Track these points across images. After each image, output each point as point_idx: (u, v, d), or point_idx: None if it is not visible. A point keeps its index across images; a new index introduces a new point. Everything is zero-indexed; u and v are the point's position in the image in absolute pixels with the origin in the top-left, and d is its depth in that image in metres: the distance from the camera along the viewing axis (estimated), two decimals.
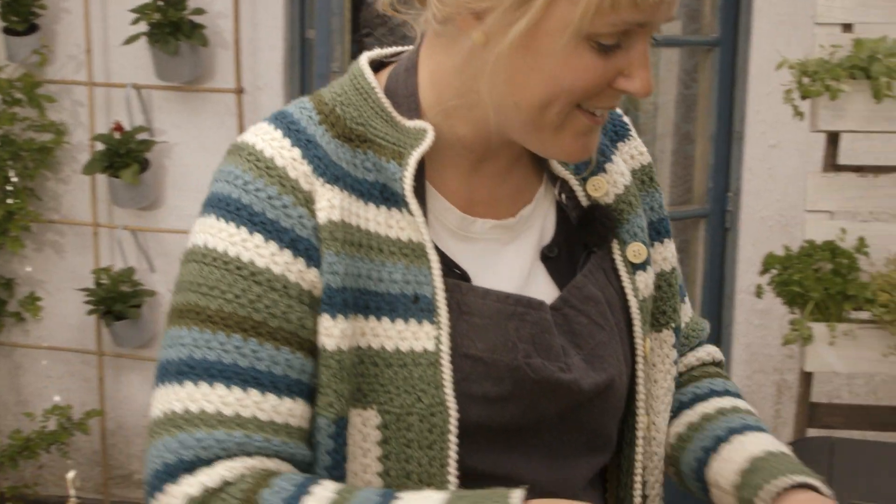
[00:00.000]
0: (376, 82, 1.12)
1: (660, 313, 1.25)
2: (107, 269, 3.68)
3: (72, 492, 2.93)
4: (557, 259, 1.15)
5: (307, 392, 1.05)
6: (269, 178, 1.04)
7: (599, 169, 1.19)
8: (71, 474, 2.97)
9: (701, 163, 3.64)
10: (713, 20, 3.54)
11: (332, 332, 1.03)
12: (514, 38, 1.00)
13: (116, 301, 3.62)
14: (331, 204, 1.04)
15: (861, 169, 2.90)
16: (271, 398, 1.02)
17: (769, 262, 2.76)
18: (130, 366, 3.83)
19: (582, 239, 1.17)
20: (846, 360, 2.73)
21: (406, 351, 1.05)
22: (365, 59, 1.15)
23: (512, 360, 1.07)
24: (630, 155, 1.25)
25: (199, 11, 3.56)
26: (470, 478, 1.05)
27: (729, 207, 3.58)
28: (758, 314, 3.54)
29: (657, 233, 1.25)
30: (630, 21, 0.99)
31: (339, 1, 3.03)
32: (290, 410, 1.03)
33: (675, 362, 1.26)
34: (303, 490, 0.98)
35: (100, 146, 3.58)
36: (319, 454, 1.06)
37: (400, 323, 1.05)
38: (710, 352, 1.39)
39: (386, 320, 1.05)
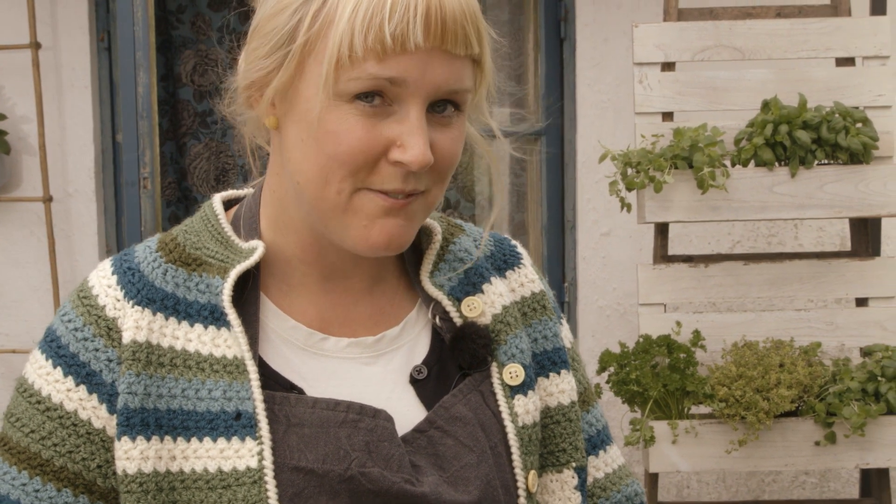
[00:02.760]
0: (222, 211, 1.14)
1: (559, 451, 1.18)
2: None
3: None
4: (427, 381, 1.12)
5: None
6: (82, 308, 1.07)
7: (476, 290, 1.17)
8: None
9: (535, 253, 3.58)
10: (538, 109, 3.50)
11: (132, 455, 1.02)
12: (288, 111, 1.02)
13: None
14: (137, 325, 1.05)
15: (691, 259, 2.87)
16: None
17: (605, 361, 2.68)
18: None
19: (455, 360, 1.13)
20: (690, 459, 2.66)
21: (228, 471, 1.01)
22: (220, 195, 1.17)
23: (344, 470, 1.03)
24: (519, 283, 1.21)
25: (1, 117, 3.34)
26: None
27: (566, 299, 3.52)
28: (601, 407, 3.46)
29: (552, 363, 1.20)
30: (379, 76, 0.97)
31: (147, 103, 2.86)
32: None
33: None
34: None
35: None
36: None
37: (221, 442, 1.02)
38: (631, 486, 1.29)
39: (207, 440, 1.02)
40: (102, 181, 3.47)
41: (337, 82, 0.98)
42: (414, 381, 1.12)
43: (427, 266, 1.16)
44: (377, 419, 1.07)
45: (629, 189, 2.72)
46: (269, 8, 1.03)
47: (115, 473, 1.04)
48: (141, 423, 1.02)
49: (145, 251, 1.11)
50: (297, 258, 1.11)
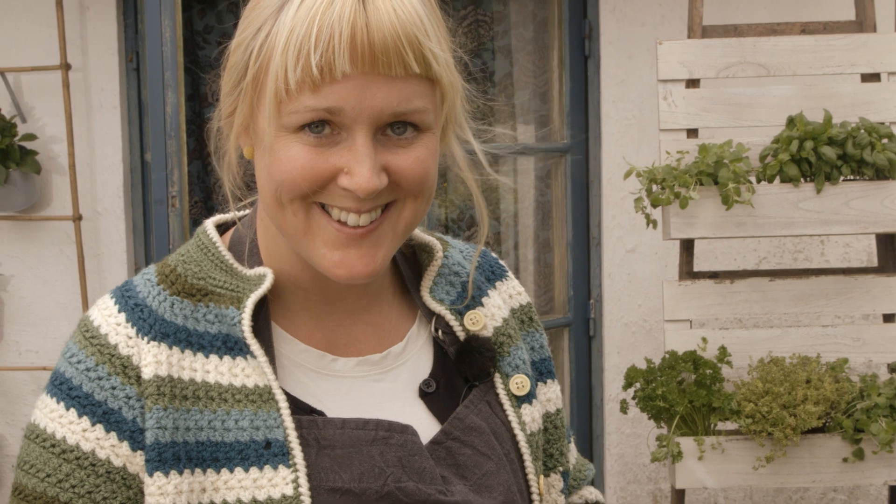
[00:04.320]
0: (219, 239, 1.13)
1: (547, 456, 1.22)
2: None
3: None
4: (436, 395, 1.13)
5: None
6: (91, 349, 1.05)
7: (476, 303, 1.19)
8: None
9: (560, 270, 3.59)
10: (562, 126, 3.51)
11: (167, 490, 1.00)
12: (254, 141, 1.04)
13: None
14: (157, 360, 1.04)
15: (717, 275, 2.86)
16: None
17: (631, 376, 2.68)
18: None
19: (462, 373, 1.15)
20: (716, 475, 2.65)
21: (263, 500, 1.01)
22: (211, 221, 1.17)
23: (381, 487, 1.03)
24: (508, 294, 1.24)
25: (31, 137, 3.38)
26: None
27: (591, 315, 3.52)
28: (628, 423, 3.46)
29: (539, 373, 1.24)
30: (316, 107, 0.98)
31: (175, 123, 2.89)
32: None
33: None
34: None
35: None
36: None
37: (254, 471, 1.02)
38: (592, 492, 1.38)
39: (239, 471, 1.02)
40: (131, 200, 3.50)
41: (280, 115, 0.99)
42: (423, 395, 1.13)
43: (427, 282, 1.18)
44: (406, 434, 1.08)
45: (654, 205, 2.73)
46: (233, 44, 1.06)
47: None
48: (173, 457, 1.02)
49: (146, 284, 1.10)
50: (294, 283, 1.11)
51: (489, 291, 1.22)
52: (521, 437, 1.16)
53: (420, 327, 1.18)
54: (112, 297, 1.09)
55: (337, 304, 1.12)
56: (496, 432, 1.15)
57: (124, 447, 1.03)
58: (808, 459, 2.66)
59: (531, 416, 1.19)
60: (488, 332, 1.18)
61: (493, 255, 1.28)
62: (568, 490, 1.30)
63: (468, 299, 1.18)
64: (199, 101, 4.38)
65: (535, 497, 1.16)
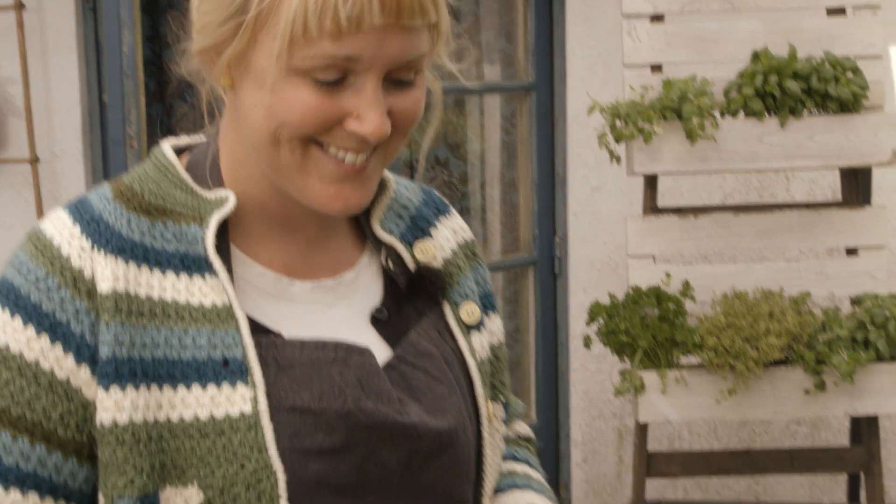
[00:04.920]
0: (177, 160, 1.12)
1: (490, 387, 1.24)
2: None
3: None
4: (388, 322, 1.14)
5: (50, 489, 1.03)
6: (42, 259, 1.03)
7: (425, 234, 1.21)
8: None
9: (525, 209, 3.57)
10: (527, 64, 3.48)
11: (123, 405, 1.00)
12: (243, 75, 1.02)
13: None
14: (115, 275, 1.03)
15: (681, 211, 2.86)
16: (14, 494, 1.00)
17: (595, 312, 2.68)
18: None
19: (412, 301, 1.17)
20: (679, 409, 2.67)
21: (221, 418, 1.01)
22: (166, 142, 1.15)
23: (341, 406, 1.04)
24: (453, 230, 1.26)
25: None
26: None
27: (557, 253, 3.51)
28: (593, 360, 3.47)
29: (484, 306, 1.26)
30: (335, 55, 0.97)
31: (132, 62, 2.84)
32: None
33: (504, 437, 1.27)
34: None
35: None
36: None
37: (212, 389, 1.02)
38: (524, 427, 1.41)
39: (196, 388, 1.01)
40: (89, 141, 3.45)
41: (291, 58, 0.98)
42: (375, 322, 1.14)
43: (378, 214, 1.19)
44: (364, 356, 1.09)
45: (618, 141, 2.71)
46: None
47: (77, 424, 1.02)
48: (129, 372, 1.01)
49: (102, 200, 1.08)
50: (258, 208, 1.11)
51: (437, 224, 1.24)
52: (471, 362, 1.18)
53: (370, 258, 1.19)
54: (66, 210, 1.07)
55: (297, 232, 1.13)
56: (447, 358, 1.16)
57: (69, 360, 1.02)
58: (770, 392, 2.67)
59: (480, 343, 1.21)
60: (438, 263, 1.21)
61: (436, 193, 1.30)
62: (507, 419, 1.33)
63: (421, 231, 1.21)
64: (160, 42, 4.31)
65: (483, 420, 1.18)
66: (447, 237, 1.24)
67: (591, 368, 3.50)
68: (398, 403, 1.08)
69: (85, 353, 1.02)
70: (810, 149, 2.76)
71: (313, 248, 1.14)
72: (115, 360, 1.01)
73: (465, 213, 3.87)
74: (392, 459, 1.07)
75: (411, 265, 1.18)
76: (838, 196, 3.28)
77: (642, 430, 2.77)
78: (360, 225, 1.19)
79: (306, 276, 1.12)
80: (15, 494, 1.01)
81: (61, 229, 1.05)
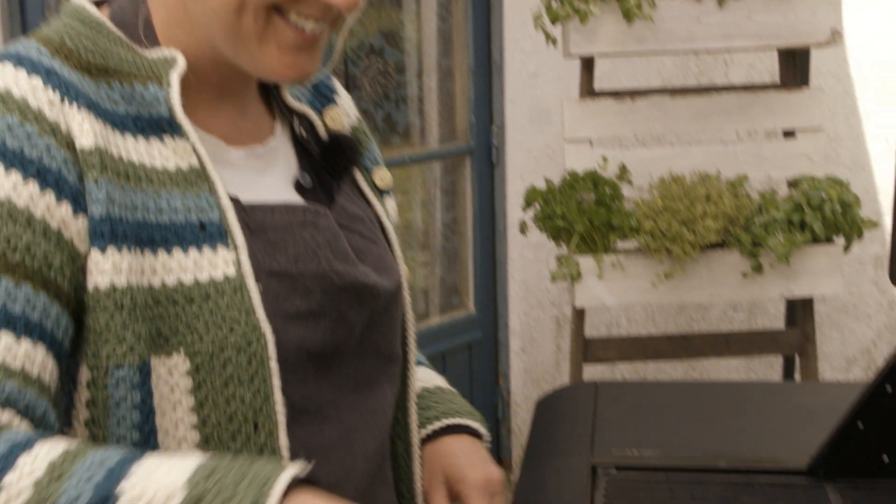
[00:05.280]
0: (101, 15, 1.03)
1: None
2: None
3: None
4: (313, 190, 1.12)
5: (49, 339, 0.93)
6: (6, 108, 0.93)
7: (330, 101, 1.20)
8: None
9: (461, 97, 3.51)
10: None
11: (121, 267, 0.93)
12: None
13: None
14: (92, 131, 0.95)
15: (618, 94, 2.81)
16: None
17: (531, 197, 2.64)
18: None
19: (329, 168, 1.15)
20: (616, 293, 2.65)
21: (205, 281, 0.96)
22: None
23: (317, 269, 1.03)
24: (348, 103, 1.25)
25: None
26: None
27: (494, 142, 3.46)
28: (531, 248, 3.45)
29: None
30: None
31: None
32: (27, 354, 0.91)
33: None
34: (23, 447, 0.85)
35: None
36: (124, 411, 0.95)
37: (193, 253, 0.97)
38: (430, 376, 1.41)
39: (178, 252, 0.96)
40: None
41: None
42: (300, 189, 1.12)
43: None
44: (328, 219, 1.08)
45: (554, 21, 2.64)
46: None
47: (71, 279, 0.94)
48: (123, 234, 0.94)
49: (42, 56, 0.98)
50: (193, 73, 1.05)
51: (336, 96, 1.23)
52: (388, 225, 1.18)
53: (283, 126, 1.16)
54: (11, 64, 0.96)
55: (227, 99, 1.09)
56: (370, 221, 1.16)
57: (63, 208, 0.93)
58: (707, 275, 2.66)
59: (392, 208, 1.22)
60: (347, 131, 1.20)
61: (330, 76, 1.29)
62: None
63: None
64: None
65: (403, 281, 1.18)
66: (349, 104, 1.24)
67: (528, 257, 3.48)
68: (359, 265, 1.08)
69: (81, 203, 0.94)
70: (748, 29, 2.71)
71: (241, 115, 1.10)
72: (109, 219, 0.94)
73: (401, 102, 3.79)
74: (357, 321, 1.07)
75: (323, 133, 1.16)
76: (777, 80, 3.25)
77: (579, 315, 2.76)
78: (268, 95, 1.16)
79: (239, 143, 1.09)
80: (27, 345, 0.91)
81: (17, 82, 0.95)
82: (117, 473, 0.82)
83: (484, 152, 3.47)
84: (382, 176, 1.21)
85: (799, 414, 1.64)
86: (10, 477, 0.82)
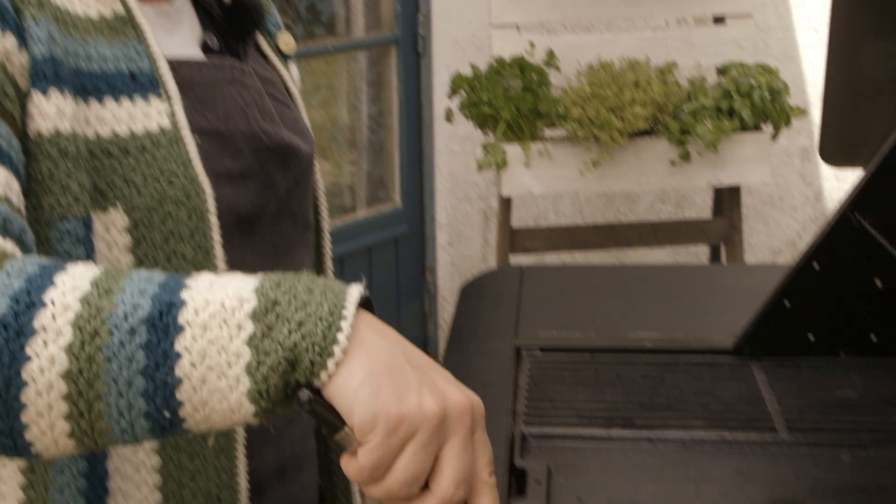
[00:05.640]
0: None
1: None
2: None
3: None
4: (220, 52, 1.07)
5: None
6: None
7: None
8: None
9: None
10: None
11: (66, 111, 0.87)
12: None
13: None
14: None
15: None
16: None
17: (457, 83, 2.57)
18: None
19: (232, 30, 1.10)
20: (543, 181, 2.61)
21: (141, 133, 0.92)
22: None
23: (247, 128, 1.01)
24: None
25: None
26: None
27: (420, 31, 3.36)
28: (458, 141, 3.39)
29: None
30: None
31: None
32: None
33: None
34: (55, 267, 0.77)
35: None
36: None
37: (126, 103, 0.92)
38: None
39: (110, 102, 0.91)
40: None
41: None
42: (208, 50, 1.07)
43: None
44: (253, 78, 1.05)
45: None
46: None
47: (19, 114, 0.87)
48: (65, 77, 0.88)
49: None
50: None
51: None
52: (294, 91, 1.14)
53: None
54: None
55: None
56: (280, 85, 1.13)
57: (8, 40, 0.86)
58: (635, 163, 2.63)
59: (296, 73, 1.18)
60: None
61: None
62: None
63: None
64: None
65: (310, 140, 1.17)
66: None
67: (455, 150, 3.42)
68: (282, 127, 1.05)
69: (24, 36, 0.87)
70: None
71: None
72: (53, 59, 0.88)
73: None
74: (282, 184, 1.04)
75: None
76: None
77: (506, 204, 2.72)
78: None
79: (146, 0, 1.02)
80: (4, 172, 0.84)
81: None
82: (172, 286, 0.76)
83: (410, 42, 3.38)
84: (286, 40, 1.16)
85: (726, 295, 1.63)
86: (52, 293, 0.74)
